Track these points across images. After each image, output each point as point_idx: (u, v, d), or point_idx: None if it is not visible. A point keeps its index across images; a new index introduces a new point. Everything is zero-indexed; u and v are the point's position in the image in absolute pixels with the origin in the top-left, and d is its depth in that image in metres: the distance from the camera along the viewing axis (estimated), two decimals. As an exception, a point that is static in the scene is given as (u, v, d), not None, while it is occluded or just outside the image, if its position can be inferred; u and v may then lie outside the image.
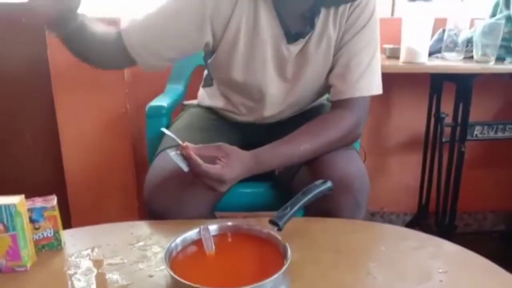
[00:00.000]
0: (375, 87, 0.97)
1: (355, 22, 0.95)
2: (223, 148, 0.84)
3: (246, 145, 0.97)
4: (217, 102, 1.18)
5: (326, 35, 0.96)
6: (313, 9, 0.93)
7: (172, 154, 0.81)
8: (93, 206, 1.66)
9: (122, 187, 1.68)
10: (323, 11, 0.94)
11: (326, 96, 1.19)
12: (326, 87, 1.05)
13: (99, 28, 0.95)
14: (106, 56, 0.98)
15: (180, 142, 0.81)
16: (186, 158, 0.81)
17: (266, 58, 0.97)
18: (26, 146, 1.84)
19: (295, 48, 0.97)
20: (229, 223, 0.74)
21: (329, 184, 0.81)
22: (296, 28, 0.94)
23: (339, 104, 0.97)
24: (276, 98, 1.05)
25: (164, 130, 0.87)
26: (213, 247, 0.67)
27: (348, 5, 0.94)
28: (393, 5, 1.87)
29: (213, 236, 0.69)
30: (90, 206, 1.66)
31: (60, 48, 1.58)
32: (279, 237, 0.68)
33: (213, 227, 0.71)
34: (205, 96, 1.23)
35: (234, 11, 0.92)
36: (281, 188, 1.12)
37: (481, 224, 1.99)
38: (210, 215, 0.97)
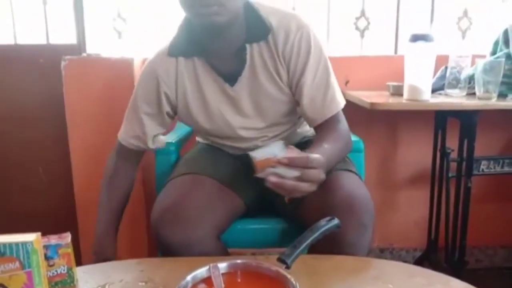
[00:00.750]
0: (340, 101, 1.06)
1: (299, 53, 1.02)
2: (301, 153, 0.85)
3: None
4: (209, 143, 1.27)
5: (265, 67, 1.04)
6: (241, 49, 1.03)
7: (271, 170, 0.79)
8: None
9: (132, 222, 1.69)
10: (254, 48, 1.03)
11: (312, 131, 1.23)
12: (291, 113, 1.13)
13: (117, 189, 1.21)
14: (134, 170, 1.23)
15: (274, 157, 0.81)
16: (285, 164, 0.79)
17: (220, 103, 1.08)
18: (39, 181, 1.89)
19: (239, 86, 1.06)
20: (238, 261, 0.75)
21: (336, 221, 0.83)
22: (230, 70, 1.05)
23: (322, 128, 1.04)
24: (249, 133, 1.13)
25: (251, 154, 0.88)
26: (223, 285, 0.69)
27: (281, 39, 1.01)
28: (396, 43, 1.93)
29: (223, 274, 0.71)
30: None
31: (75, 86, 1.66)
32: (288, 276, 0.69)
33: (222, 265, 0.73)
34: (199, 138, 1.34)
35: (177, 75, 1.08)
36: (288, 219, 1.13)
37: (492, 260, 1.97)
38: (216, 241, 1.00)
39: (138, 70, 1.71)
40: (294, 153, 0.81)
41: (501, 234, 1.94)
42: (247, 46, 1.03)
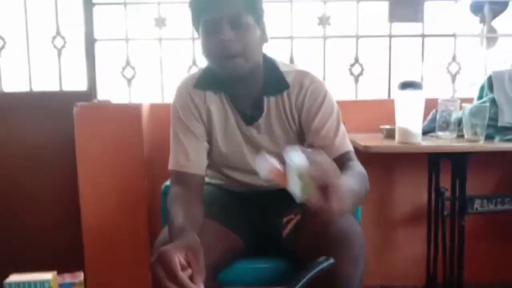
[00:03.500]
0: (349, 144, 1.13)
1: (312, 105, 1.12)
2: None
3: (254, 216, 1.20)
4: (217, 181, 1.32)
5: (280, 118, 1.16)
6: (259, 99, 1.15)
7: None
8: (109, 279, 1.71)
9: (137, 262, 1.74)
10: (271, 99, 1.15)
11: None
12: None
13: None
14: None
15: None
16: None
17: (237, 135, 1.18)
18: (48, 219, 1.96)
19: (253, 128, 1.17)
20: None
21: (331, 260, 0.89)
22: (249, 113, 1.16)
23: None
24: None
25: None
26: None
27: (295, 93, 1.13)
28: (389, 87, 2.04)
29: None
30: (106, 279, 1.71)
31: (86, 131, 1.76)
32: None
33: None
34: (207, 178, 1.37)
35: (205, 102, 1.16)
36: (286, 258, 1.18)
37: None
38: (212, 280, 1.02)
39: (146, 115, 1.81)
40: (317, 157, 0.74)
41: (498, 271, 1.97)
42: (265, 98, 1.15)
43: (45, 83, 2.05)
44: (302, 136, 1.17)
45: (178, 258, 0.77)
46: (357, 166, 1.07)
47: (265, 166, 0.74)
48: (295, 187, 0.71)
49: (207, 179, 1.37)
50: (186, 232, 0.89)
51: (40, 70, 2.04)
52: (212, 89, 1.16)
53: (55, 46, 2.00)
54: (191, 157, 1.14)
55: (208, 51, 1.07)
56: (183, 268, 0.78)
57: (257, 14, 1.08)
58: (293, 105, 1.14)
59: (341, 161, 1.07)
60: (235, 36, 1.03)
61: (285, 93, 1.14)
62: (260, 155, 0.76)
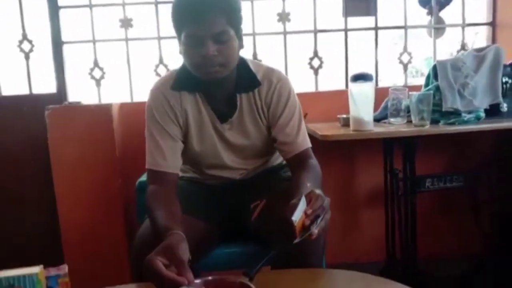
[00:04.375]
0: (308, 141, 1.27)
1: (278, 102, 1.25)
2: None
3: (226, 202, 1.31)
4: (190, 174, 1.43)
5: (252, 113, 1.26)
6: (232, 96, 1.25)
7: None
8: (90, 271, 1.79)
9: (115, 254, 1.83)
10: (243, 96, 1.25)
11: (280, 159, 1.43)
12: (267, 151, 1.35)
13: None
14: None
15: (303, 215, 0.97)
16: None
17: (211, 134, 1.27)
18: (27, 219, 2.01)
19: (227, 125, 1.27)
20: (210, 278, 0.92)
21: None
22: (223, 111, 1.25)
23: (298, 162, 1.23)
24: (231, 161, 1.32)
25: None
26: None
27: (265, 89, 1.25)
28: (347, 78, 2.17)
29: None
30: (87, 271, 1.79)
31: (58, 132, 1.81)
32: (251, 285, 0.86)
33: (197, 281, 0.90)
34: (181, 173, 1.46)
35: (181, 103, 1.23)
36: (257, 240, 1.28)
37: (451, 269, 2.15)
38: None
39: (116, 114, 1.89)
40: (314, 200, 0.97)
41: (451, 243, 2.15)
42: (237, 95, 1.25)
43: (14, 87, 2.08)
44: (270, 131, 1.29)
45: (159, 261, 0.86)
46: (316, 166, 1.23)
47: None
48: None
49: (180, 174, 1.46)
50: (172, 231, 0.97)
51: (8, 74, 2.07)
52: (187, 89, 1.24)
53: (22, 50, 2.03)
54: (167, 157, 1.21)
55: (191, 61, 1.15)
56: (167, 267, 0.87)
57: (237, 27, 1.16)
58: (263, 101, 1.26)
59: (302, 157, 1.23)
60: (217, 50, 1.11)
61: (256, 90, 1.25)
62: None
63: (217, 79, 1.16)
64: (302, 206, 0.96)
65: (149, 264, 0.86)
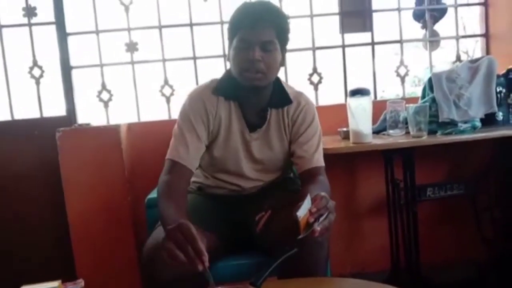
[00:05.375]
0: (323, 161, 1.39)
1: (303, 122, 1.39)
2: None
3: (233, 214, 1.38)
4: (203, 180, 1.49)
5: (279, 127, 1.40)
6: (264, 109, 1.38)
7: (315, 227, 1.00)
8: (102, 286, 1.83)
9: (126, 270, 1.88)
10: (273, 111, 1.38)
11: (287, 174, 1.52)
12: (285, 165, 1.46)
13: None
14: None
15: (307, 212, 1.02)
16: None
17: (237, 141, 1.38)
18: (37, 238, 2.07)
19: (255, 134, 1.38)
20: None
21: (294, 249, 1.06)
22: (254, 121, 1.38)
23: (309, 176, 1.32)
24: (249, 171, 1.41)
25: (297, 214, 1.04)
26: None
27: (293, 108, 1.38)
28: (346, 92, 2.24)
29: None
30: (99, 285, 1.83)
31: (69, 153, 1.88)
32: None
33: (206, 291, 0.95)
34: (195, 178, 1.53)
35: (217, 108, 1.35)
36: (261, 251, 1.34)
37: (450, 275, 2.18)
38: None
39: (124, 134, 1.96)
40: (318, 200, 1.05)
41: (453, 250, 2.19)
42: (269, 109, 1.37)
43: (25, 111, 2.16)
44: (291, 146, 1.40)
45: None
46: (326, 182, 1.32)
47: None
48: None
49: (192, 178, 1.52)
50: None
51: (20, 99, 2.16)
52: (225, 95, 1.35)
53: (33, 76, 2.11)
54: (190, 153, 1.30)
55: (237, 63, 1.28)
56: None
57: (283, 43, 1.32)
58: (290, 118, 1.39)
59: (315, 173, 1.34)
60: (262, 57, 1.25)
61: (286, 108, 1.38)
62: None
63: (256, 87, 1.29)
64: (307, 204, 1.04)
65: (186, 226, 0.94)
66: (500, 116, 1.89)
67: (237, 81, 1.32)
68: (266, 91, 1.36)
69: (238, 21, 1.28)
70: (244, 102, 1.36)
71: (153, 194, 1.59)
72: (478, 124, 1.80)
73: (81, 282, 1.05)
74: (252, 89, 1.31)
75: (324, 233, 1.03)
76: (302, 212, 1.02)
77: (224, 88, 1.36)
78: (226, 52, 2.12)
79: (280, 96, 1.38)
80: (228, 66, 1.37)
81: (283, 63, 1.36)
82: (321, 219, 1.03)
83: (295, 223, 1.02)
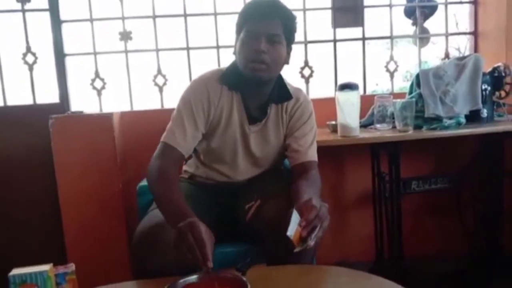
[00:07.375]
0: (316, 156, 1.43)
1: (300, 117, 1.43)
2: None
3: (222, 203, 1.43)
4: (194, 170, 1.52)
5: (277, 123, 1.42)
6: (265, 104, 1.40)
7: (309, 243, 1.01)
8: (93, 270, 1.87)
9: (116, 254, 1.92)
10: (274, 106, 1.41)
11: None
12: (277, 160, 1.50)
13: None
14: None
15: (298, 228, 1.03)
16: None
17: (235, 132, 1.40)
18: (30, 224, 2.10)
19: (254, 128, 1.41)
20: (203, 274, 1.00)
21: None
22: (255, 114, 1.40)
23: (301, 167, 1.37)
24: (242, 166, 1.45)
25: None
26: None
27: (291, 104, 1.41)
28: (336, 85, 2.27)
29: (194, 284, 0.96)
30: (90, 269, 1.87)
31: (62, 141, 1.90)
32: (243, 278, 0.95)
33: (192, 277, 0.99)
34: (187, 168, 1.57)
35: (220, 96, 1.36)
36: (252, 239, 1.37)
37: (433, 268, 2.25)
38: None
39: (117, 123, 1.98)
40: (308, 212, 1.04)
41: (437, 243, 2.25)
42: (270, 104, 1.40)
43: (19, 98, 2.18)
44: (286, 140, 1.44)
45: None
46: (317, 177, 1.36)
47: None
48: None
49: (188, 169, 1.56)
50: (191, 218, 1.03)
51: (13, 86, 2.17)
52: (229, 85, 1.37)
53: (26, 62, 2.13)
54: (187, 139, 1.32)
55: (243, 55, 1.30)
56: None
57: (289, 39, 1.34)
58: (288, 113, 1.42)
59: (307, 167, 1.37)
60: (268, 49, 1.27)
61: (285, 103, 1.41)
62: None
63: (259, 80, 1.31)
64: (294, 219, 1.03)
65: (198, 230, 0.97)
66: (484, 113, 1.94)
67: (242, 73, 1.34)
68: (268, 86, 1.38)
69: (247, 14, 1.31)
70: (246, 95, 1.38)
71: (144, 182, 1.62)
72: (463, 120, 1.85)
73: (72, 266, 1.08)
74: (255, 82, 1.33)
75: (318, 242, 1.06)
76: (292, 228, 1.01)
77: (229, 78, 1.37)
78: (221, 44, 2.17)
79: (282, 91, 1.41)
80: (234, 58, 1.38)
81: (287, 60, 1.38)
82: (316, 231, 1.02)
83: (288, 241, 1.01)
